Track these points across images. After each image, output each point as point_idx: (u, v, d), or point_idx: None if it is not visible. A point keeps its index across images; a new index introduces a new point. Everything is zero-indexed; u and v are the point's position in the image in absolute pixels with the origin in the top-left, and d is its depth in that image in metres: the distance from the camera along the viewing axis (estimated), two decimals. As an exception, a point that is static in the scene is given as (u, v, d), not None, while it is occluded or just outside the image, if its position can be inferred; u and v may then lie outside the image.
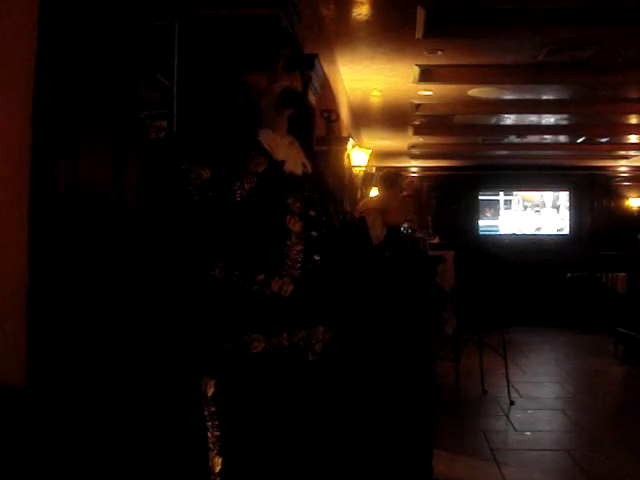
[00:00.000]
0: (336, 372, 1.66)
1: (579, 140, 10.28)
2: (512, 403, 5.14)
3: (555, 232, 12.36)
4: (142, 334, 2.29)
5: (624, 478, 3.64)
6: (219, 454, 1.56)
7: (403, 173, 12.66)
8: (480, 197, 12.52)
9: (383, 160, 11.11)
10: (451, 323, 5.17)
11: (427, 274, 3.71)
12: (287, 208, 1.57)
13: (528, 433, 4.45)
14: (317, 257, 1.59)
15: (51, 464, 1.78)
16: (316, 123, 5.21)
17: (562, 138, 10.41)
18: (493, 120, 9.20)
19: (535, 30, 5.44)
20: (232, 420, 1.55)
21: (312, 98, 4.12)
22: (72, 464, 1.87)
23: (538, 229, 12.41)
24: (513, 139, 10.24)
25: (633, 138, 9.99)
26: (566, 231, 12.35)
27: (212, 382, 1.57)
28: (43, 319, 1.92)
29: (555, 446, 4.21)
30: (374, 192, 9.26)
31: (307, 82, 1.69)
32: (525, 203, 12.53)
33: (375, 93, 7.61)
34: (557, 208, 12.48)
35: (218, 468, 1.56)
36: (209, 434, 1.58)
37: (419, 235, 6.75)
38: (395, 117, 8.74)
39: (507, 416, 4.83)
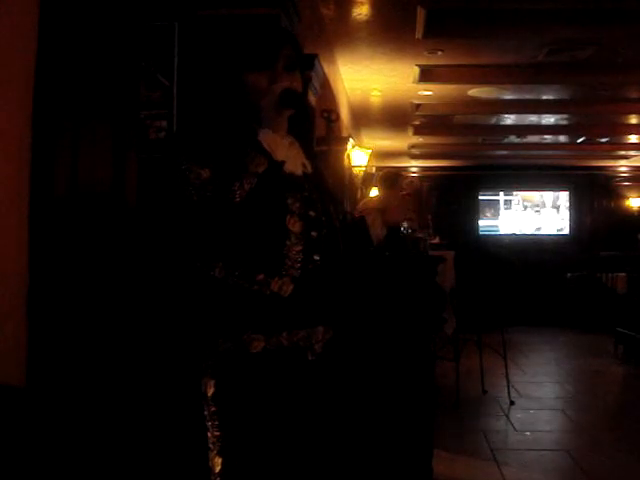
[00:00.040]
0: (336, 372, 1.66)
1: (579, 140, 10.29)
2: (512, 403, 5.14)
3: (555, 232, 12.37)
4: (142, 334, 2.29)
5: (624, 478, 3.64)
6: (219, 454, 1.56)
7: (403, 173, 12.66)
8: (480, 197, 12.52)
9: (383, 160, 11.11)
10: (451, 323, 5.17)
11: (427, 274, 3.71)
12: (287, 208, 1.57)
13: (528, 433, 4.45)
14: (317, 257, 1.59)
15: (51, 464, 1.78)
16: (316, 123, 5.21)
17: (562, 138, 10.41)
18: (493, 120, 9.20)
19: (535, 30, 5.44)
20: (232, 420, 1.55)
21: (312, 98, 4.12)
22: (72, 464, 1.87)
23: (538, 229, 12.41)
24: (513, 139, 10.25)
25: (633, 138, 9.99)
26: (566, 231, 12.35)
27: (212, 382, 1.57)
28: (43, 319, 1.92)
29: (555, 446, 4.21)
30: (374, 192, 9.26)
31: (307, 82, 1.69)
32: (525, 203, 12.53)
33: (375, 93, 7.61)
34: (557, 208, 12.48)
35: (218, 468, 1.56)
36: (209, 434, 1.58)
37: (419, 235, 6.75)
38: (395, 117, 8.74)
39: (507, 416, 4.83)
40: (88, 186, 2.15)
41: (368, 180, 9.20)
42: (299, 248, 1.56)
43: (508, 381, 5.31)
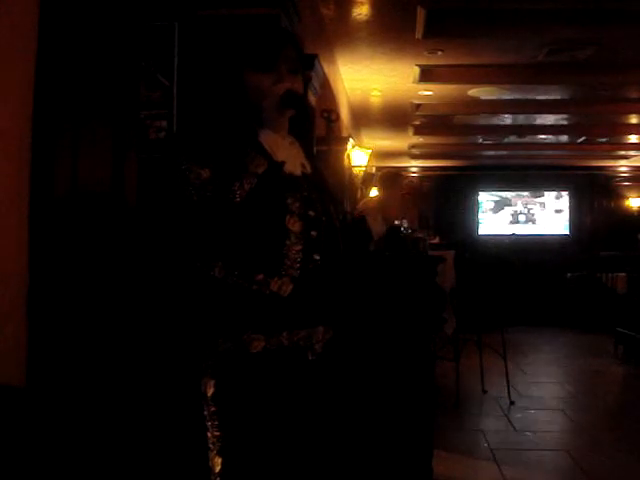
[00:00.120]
0: (336, 372, 1.66)
1: (579, 140, 10.29)
2: (512, 403, 5.13)
3: (555, 232, 12.37)
4: (142, 334, 2.29)
5: (624, 478, 3.64)
6: (219, 454, 1.56)
7: (403, 173, 12.67)
8: (480, 197, 12.53)
9: (383, 160, 11.12)
10: (451, 323, 5.17)
11: (427, 274, 3.71)
12: (286, 208, 1.57)
13: (528, 433, 4.45)
14: (317, 257, 1.59)
15: (51, 464, 1.78)
16: (316, 123, 5.21)
17: (562, 138, 10.42)
18: (493, 120, 9.21)
19: (535, 30, 5.44)
20: (232, 420, 1.55)
21: (312, 98, 4.12)
22: (72, 464, 1.87)
23: (538, 229, 12.41)
24: (513, 139, 10.25)
25: (633, 138, 10.00)
26: (566, 231, 12.35)
27: (212, 382, 1.57)
28: (43, 319, 1.92)
29: (555, 446, 4.21)
30: (374, 192, 9.27)
31: (307, 82, 1.69)
32: (525, 203, 12.54)
33: (375, 93, 7.61)
34: (557, 208, 12.49)
35: (218, 468, 1.56)
36: (209, 434, 1.58)
37: (419, 235, 6.75)
38: (395, 117, 8.75)
39: (507, 416, 4.83)
40: (88, 186, 2.16)
41: (368, 180, 9.20)
42: (299, 248, 1.57)
43: (508, 381, 5.31)
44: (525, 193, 12.51)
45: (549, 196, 12.49)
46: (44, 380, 1.90)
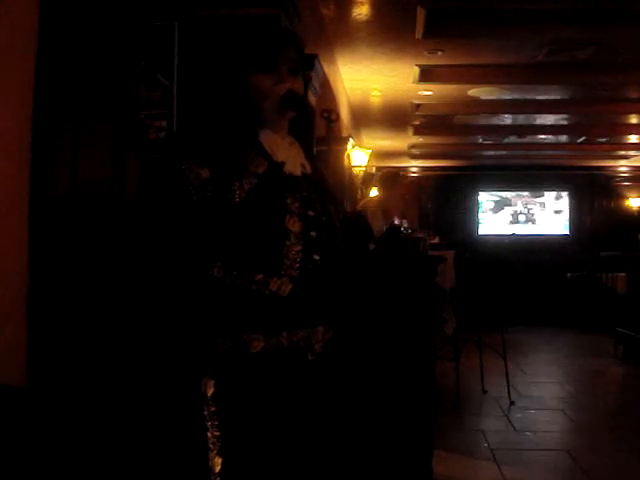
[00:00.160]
0: (336, 372, 1.66)
1: (579, 140, 10.29)
2: (512, 403, 5.13)
3: (555, 232, 12.37)
4: (142, 334, 2.29)
5: (624, 478, 3.64)
6: (219, 454, 1.56)
7: (403, 173, 12.68)
8: (480, 197, 12.53)
9: (383, 160, 11.12)
10: (451, 323, 5.17)
11: (427, 274, 3.71)
12: (286, 208, 1.57)
13: (528, 433, 4.45)
14: (316, 257, 1.60)
15: (51, 464, 1.78)
16: (316, 123, 5.21)
17: (562, 138, 10.42)
18: (493, 120, 9.21)
19: (535, 30, 5.44)
20: (232, 420, 1.55)
21: (312, 98, 4.12)
22: (72, 464, 1.87)
23: (538, 229, 12.41)
24: (513, 139, 10.25)
25: (633, 138, 10.00)
26: (566, 231, 12.36)
27: (212, 382, 1.57)
28: (43, 319, 1.92)
29: (555, 446, 4.21)
30: (374, 192, 9.27)
31: (307, 82, 1.69)
32: (525, 203, 12.54)
33: (375, 93, 7.61)
34: (557, 209, 12.49)
35: (218, 468, 1.56)
36: (209, 434, 1.58)
37: (419, 235, 6.76)
38: (395, 117, 8.74)
39: (507, 416, 4.83)
40: (88, 186, 2.16)
41: (368, 180, 9.20)
42: (298, 248, 1.57)
43: (508, 381, 5.31)
44: (525, 193, 12.52)
45: (549, 196, 12.49)
46: (44, 380, 1.90)
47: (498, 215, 12.54)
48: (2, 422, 1.65)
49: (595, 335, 8.54)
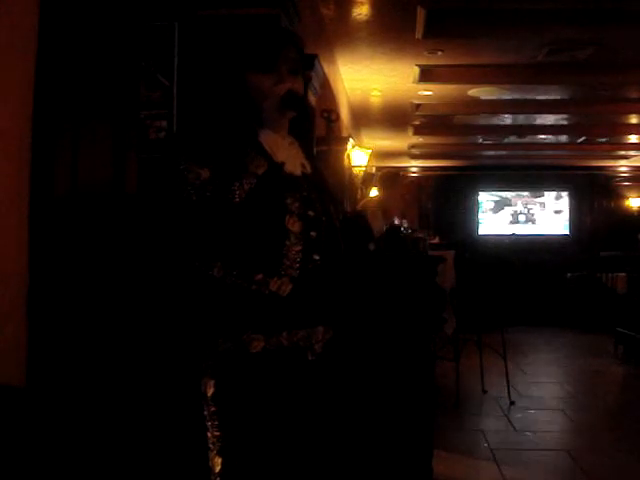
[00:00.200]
0: (336, 372, 1.66)
1: (579, 140, 10.29)
2: (512, 403, 5.13)
3: (555, 232, 12.37)
4: (142, 334, 2.29)
5: (624, 478, 3.64)
6: (219, 454, 1.56)
7: (403, 173, 12.68)
8: (480, 197, 12.53)
9: (383, 160, 11.12)
10: (451, 323, 5.17)
11: (427, 274, 3.71)
12: (286, 208, 1.57)
13: (528, 433, 4.45)
14: (316, 257, 1.59)
15: (51, 464, 1.78)
16: (316, 123, 5.21)
17: (562, 138, 10.42)
18: (493, 120, 9.21)
19: (535, 30, 5.44)
20: (232, 420, 1.55)
21: (312, 98, 4.12)
22: (72, 464, 1.87)
23: (538, 229, 12.42)
24: (513, 139, 10.25)
25: (633, 138, 10.00)
26: (566, 231, 12.36)
27: (212, 382, 1.57)
28: (43, 319, 1.92)
29: (555, 446, 4.21)
30: (374, 192, 9.27)
31: (307, 82, 1.69)
32: (525, 203, 12.54)
33: (375, 93, 7.61)
34: (557, 209, 12.49)
35: (218, 468, 1.56)
36: (209, 434, 1.58)
37: (419, 235, 6.76)
38: (395, 117, 8.75)
39: (507, 416, 4.83)
40: (88, 186, 2.16)
41: (368, 180, 9.20)
42: (298, 248, 1.57)
43: (508, 381, 5.31)
44: (525, 193, 12.52)
45: (549, 196, 12.50)
46: (44, 380, 1.90)
47: (498, 215, 12.54)
48: (2, 422, 1.65)
49: (595, 335, 8.54)
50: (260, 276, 1.53)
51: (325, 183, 1.77)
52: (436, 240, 10.41)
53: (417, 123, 9.18)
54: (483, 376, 5.43)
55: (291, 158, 1.66)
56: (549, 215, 12.47)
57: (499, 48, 5.95)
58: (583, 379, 6.48)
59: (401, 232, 5.78)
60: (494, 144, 10.79)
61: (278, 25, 2.84)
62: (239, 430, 1.54)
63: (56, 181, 1.98)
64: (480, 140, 10.53)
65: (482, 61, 6.38)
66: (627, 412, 5.12)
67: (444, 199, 12.57)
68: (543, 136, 10.11)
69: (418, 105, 8.12)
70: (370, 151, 7.77)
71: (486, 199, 12.56)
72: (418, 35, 5.46)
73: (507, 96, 7.58)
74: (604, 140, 10.33)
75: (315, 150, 4.36)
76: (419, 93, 7.46)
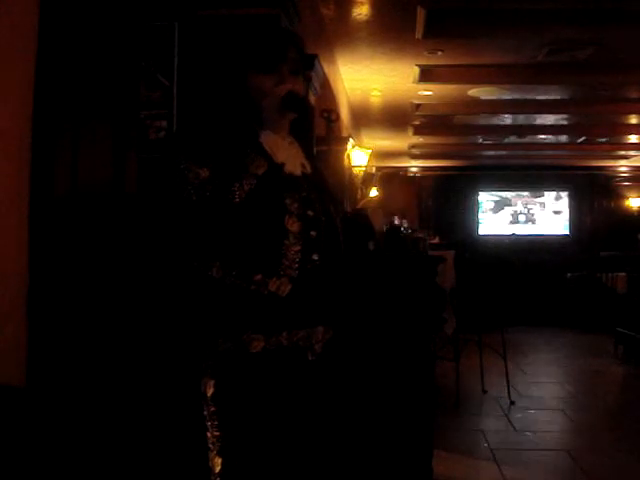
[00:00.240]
0: (336, 372, 1.66)
1: (579, 140, 10.29)
2: (512, 403, 5.13)
3: (555, 232, 12.37)
4: (142, 334, 2.29)
5: (624, 478, 3.64)
6: (219, 454, 1.56)
7: (402, 173, 12.69)
8: (480, 197, 12.53)
9: (383, 160, 11.12)
10: (451, 323, 5.17)
11: (427, 274, 3.71)
12: (285, 208, 1.57)
13: (528, 433, 4.44)
14: (315, 257, 1.59)
15: (51, 464, 1.78)
16: (316, 123, 5.21)
17: (562, 138, 10.42)
18: (493, 120, 9.21)
19: (535, 30, 5.44)
20: (232, 420, 1.55)
21: (312, 98, 4.12)
22: (72, 464, 1.87)
23: (538, 229, 12.41)
24: (513, 139, 10.25)
25: (633, 138, 10.00)
26: (566, 231, 12.36)
27: (212, 382, 1.57)
28: (43, 319, 1.92)
29: (555, 446, 4.21)
30: (374, 192, 9.28)
31: (307, 82, 1.69)
32: (525, 203, 12.54)
33: (375, 93, 7.61)
34: (557, 208, 12.49)
35: (218, 468, 1.56)
36: (209, 434, 1.58)
37: (419, 235, 6.76)
38: (395, 117, 8.75)
39: (507, 416, 4.83)
40: (88, 186, 2.16)
41: (368, 180, 9.20)
42: (297, 248, 1.56)
43: (508, 381, 5.31)
44: (525, 193, 12.52)
45: (549, 196, 12.50)
46: (44, 380, 1.90)
47: (498, 215, 12.54)
48: (2, 422, 1.65)
49: (595, 335, 8.54)
50: (259, 276, 1.53)
51: (325, 183, 1.76)
52: (436, 240, 10.41)
53: (417, 123, 9.18)
54: (483, 376, 5.43)
55: (291, 158, 1.66)
56: (549, 215, 12.47)
57: (499, 48, 5.95)
58: (583, 379, 6.48)
59: (401, 232, 5.78)
60: (494, 144, 10.79)
61: (279, 25, 2.84)
62: (239, 430, 1.54)
63: (56, 181, 1.98)
64: (480, 140, 10.53)
65: (482, 61, 6.38)
66: (627, 412, 5.12)
67: (444, 199, 12.57)
68: (543, 136, 10.12)
69: (418, 105, 8.12)
70: (370, 151, 7.77)
71: (486, 199, 12.56)
72: (418, 35, 5.46)
73: (507, 96, 7.58)
74: (604, 140, 10.33)
75: (315, 150, 4.35)
76: (419, 93, 7.46)
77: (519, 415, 4.86)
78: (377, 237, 1.90)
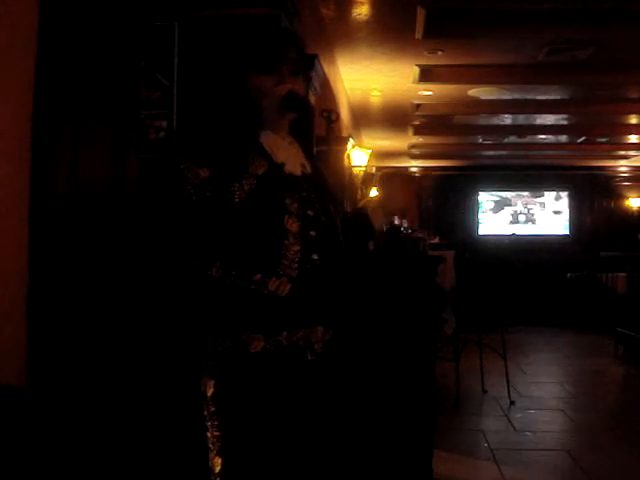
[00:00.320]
0: (336, 372, 1.66)
1: (579, 140, 10.29)
2: (512, 403, 5.13)
3: (555, 232, 12.37)
4: (142, 334, 2.29)
5: (624, 478, 3.64)
6: (219, 454, 1.56)
7: (402, 173, 12.68)
8: (480, 197, 12.53)
9: (383, 160, 11.12)
10: (451, 323, 5.17)
11: (427, 274, 3.71)
12: (285, 208, 1.57)
13: (528, 433, 4.44)
14: (315, 257, 1.59)
15: (51, 464, 1.78)
16: (316, 123, 5.21)
17: (562, 138, 10.42)
18: (493, 120, 9.21)
19: (535, 30, 5.44)
20: (232, 420, 1.55)
21: (312, 98, 4.12)
22: (72, 464, 1.87)
23: (538, 229, 12.41)
24: (513, 139, 10.25)
25: (633, 138, 10.00)
26: (566, 231, 12.35)
27: (211, 382, 1.57)
28: (43, 319, 1.92)
29: (555, 446, 4.21)
30: (374, 192, 9.28)
31: (307, 82, 1.69)
32: (525, 203, 12.54)
33: (375, 93, 7.62)
34: (557, 208, 12.49)
35: (218, 468, 1.56)
36: (209, 434, 1.58)
37: (419, 235, 6.76)
38: (395, 117, 8.75)
39: (507, 416, 4.83)
40: (88, 186, 2.15)
41: (368, 180, 9.20)
42: (297, 248, 1.56)
43: (508, 381, 5.31)
44: (525, 193, 12.51)
45: (549, 196, 12.49)
46: (44, 380, 1.90)
47: (498, 215, 12.54)
48: (2, 422, 1.65)
49: (595, 335, 8.54)
50: (259, 276, 1.53)
51: (325, 183, 1.76)
52: (436, 240, 10.40)
53: (417, 123, 9.18)
54: (483, 376, 5.43)
55: (291, 158, 1.66)
56: (549, 215, 12.47)
57: (499, 48, 5.95)
58: (583, 379, 6.48)
59: (401, 232, 5.78)
60: (494, 144, 10.80)
61: (279, 25, 2.84)
62: (239, 430, 1.54)
63: (56, 181, 1.98)
64: (480, 140, 10.53)
65: (482, 61, 6.38)
66: (627, 412, 5.13)
67: (444, 199, 12.57)
68: (543, 136, 10.12)
69: (418, 105, 8.12)
70: (370, 151, 7.76)
71: (486, 199, 12.56)
72: (418, 35, 5.47)
73: (507, 96, 7.58)
74: (604, 140, 10.33)
75: (315, 150, 4.35)
76: (419, 93, 7.47)
77: (519, 415, 4.86)
78: (377, 236, 1.90)
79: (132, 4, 2.45)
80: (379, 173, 11.36)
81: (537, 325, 9.66)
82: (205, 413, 1.59)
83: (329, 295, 1.64)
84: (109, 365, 2.14)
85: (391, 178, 12.23)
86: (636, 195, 12.28)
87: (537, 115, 8.77)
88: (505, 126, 9.52)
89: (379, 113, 8.65)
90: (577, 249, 11.74)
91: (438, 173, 12.82)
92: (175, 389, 2.23)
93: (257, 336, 1.54)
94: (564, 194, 12.40)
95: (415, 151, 11.35)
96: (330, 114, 5.98)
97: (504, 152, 11.42)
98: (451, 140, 10.69)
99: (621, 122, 9.20)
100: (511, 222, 12.48)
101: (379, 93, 7.59)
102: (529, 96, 7.66)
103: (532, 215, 12.49)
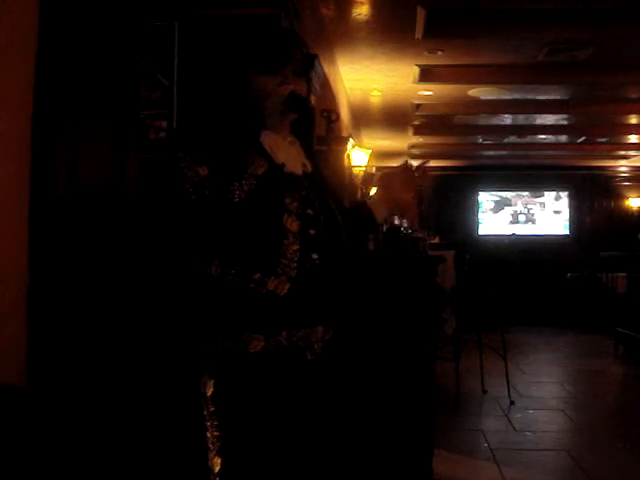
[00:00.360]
0: (335, 372, 1.66)
1: (579, 140, 10.29)
2: (512, 403, 5.14)
3: (555, 232, 12.37)
4: (142, 334, 2.29)
5: (624, 478, 3.64)
6: (218, 454, 1.56)
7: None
8: (480, 197, 12.53)
9: (383, 160, 11.11)
10: (451, 323, 5.17)
11: (427, 274, 3.71)
12: (284, 207, 1.57)
13: (528, 433, 4.45)
14: (315, 256, 1.59)
15: (51, 464, 1.78)
16: (316, 123, 5.21)
17: (562, 138, 10.42)
18: (493, 120, 9.21)
19: (535, 30, 5.44)
20: (231, 420, 1.55)
21: (312, 98, 4.12)
22: (72, 464, 1.87)
23: (538, 229, 12.41)
24: (513, 139, 10.25)
25: (633, 138, 10.00)
26: (566, 231, 12.35)
27: (211, 382, 1.57)
28: (43, 319, 1.92)
29: (555, 446, 4.21)
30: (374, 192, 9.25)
31: (308, 82, 1.69)
32: (525, 203, 12.54)
33: (375, 93, 7.61)
34: (557, 208, 12.49)
35: (217, 468, 1.56)
36: (208, 434, 1.58)
37: (419, 235, 6.75)
38: (395, 117, 8.75)
39: (507, 416, 4.83)
40: (88, 186, 2.16)
41: (368, 180, 9.20)
42: (296, 247, 1.56)
43: (508, 381, 5.31)
44: (525, 193, 12.51)
45: (549, 196, 12.49)
46: (44, 380, 1.90)
47: (498, 215, 12.54)
48: (2, 422, 1.65)
49: (595, 335, 8.55)
50: (258, 275, 1.53)
51: (326, 182, 1.76)
52: (436, 240, 10.40)
53: (417, 123, 9.18)
54: (483, 376, 5.43)
55: (291, 158, 1.66)
56: (549, 215, 12.46)
57: (499, 48, 5.95)
58: (583, 379, 6.48)
59: (401, 232, 5.78)
60: (494, 144, 10.79)
61: (279, 25, 2.84)
62: (238, 430, 1.54)
63: (56, 181, 1.98)
64: (480, 140, 10.53)
65: (482, 61, 6.38)
66: (627, 412, 5.13)
67: (444, 199, 12.56)
68: (543, 136, 10.11)
69: (418, 105, 8.12)
70: (370, 151, 7.76)
71: (486, 199, 12.56)
72: (418, 35, 5.47)
73: (507, 96, 7.58)
74: (604, 140, 10.33)
75: (315, 150, 4.35)
76: (419, 93, 7.46)
77: (519, 415, 4.86)
78: (379, 228, 1.89)
79: (132, 4, 2.45)
80: (379, 173, 11.35)
81: (537, 325, 9.66)
82: (205, 413, 1.59)
83: (329, 295, 1.63)
84: (109, 365, 2.14)
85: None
86: (636, 195, 12.28)
87: (537, 115, 8.77)
88: (505, 126, 9.52)
89: (379, 113, 8.64)
90: (577, 249, 11.74)
91: (438, 173, 12.82)
92: (175, 389, 2.23)
93: (257, 336, 1.54)
94: (564, 194, 12.40)
95: (415, 151, 11.35)
96: (330, 114, 5.98)
97: (504, 152, 11.42)
98: (451, 140, 10.68)
99: (621, 122, 9.20)
100: (511, 222, 12.48)
101: (379, 93, 7.59)
102: (529, 96, 7.66)
103: (532, 215, 12.49)
